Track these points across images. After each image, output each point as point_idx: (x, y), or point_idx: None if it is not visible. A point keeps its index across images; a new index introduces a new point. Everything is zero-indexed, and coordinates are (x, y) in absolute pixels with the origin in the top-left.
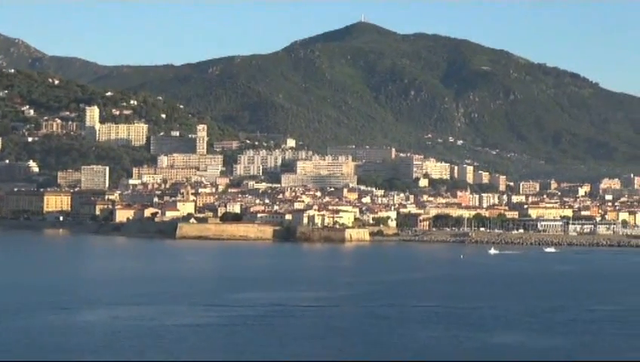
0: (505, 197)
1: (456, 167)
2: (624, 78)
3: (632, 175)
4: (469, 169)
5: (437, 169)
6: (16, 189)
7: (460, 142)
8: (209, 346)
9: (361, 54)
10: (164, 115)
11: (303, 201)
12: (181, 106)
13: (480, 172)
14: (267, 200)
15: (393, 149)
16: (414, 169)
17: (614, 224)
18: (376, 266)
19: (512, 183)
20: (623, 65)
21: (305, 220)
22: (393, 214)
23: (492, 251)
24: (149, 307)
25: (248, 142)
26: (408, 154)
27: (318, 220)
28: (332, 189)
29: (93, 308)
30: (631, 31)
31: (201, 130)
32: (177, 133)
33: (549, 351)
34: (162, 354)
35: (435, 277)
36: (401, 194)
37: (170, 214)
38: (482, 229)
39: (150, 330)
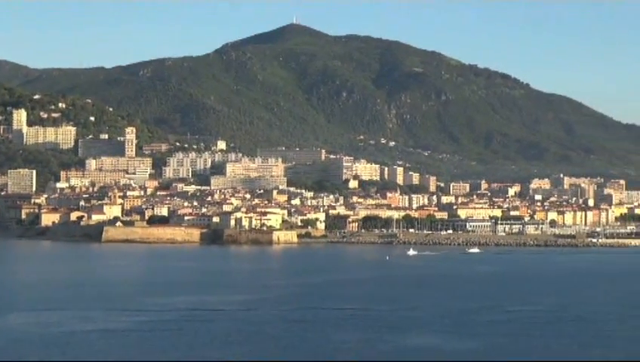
0: (435, 198)
1: (386, 168)
2: (554, 78)
3: (561, 175)
4: (399, 170)
5: (367, 170)
6: None
7: (392, 143)
8: (112, 352)
9: (293, 56)
10: (92, 118)
11: (231, 204)
12: (110, 109)
13: (410, 173)
14: (196, 203)
15: (323, 151)
16: (344, 170)
17: (543, 224)
18: (300, 268)
19: (442, 184)
20: (553, 65)
21: (232, 222)
22: (322, 216)
23: (411, 252)
24: (62, 312)
25: (178, 144)
26: (338, 156)
27: (245, 222)
28: (261, 191)
29: (3, 313)
30: (561, 31)
31: (130, 133)
32: (106, 136)
33: (462, 353)
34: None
35: (358, 279)
36: (331, 196)
37: (96, 218)
38: (411, 230)
39: (56, 337)
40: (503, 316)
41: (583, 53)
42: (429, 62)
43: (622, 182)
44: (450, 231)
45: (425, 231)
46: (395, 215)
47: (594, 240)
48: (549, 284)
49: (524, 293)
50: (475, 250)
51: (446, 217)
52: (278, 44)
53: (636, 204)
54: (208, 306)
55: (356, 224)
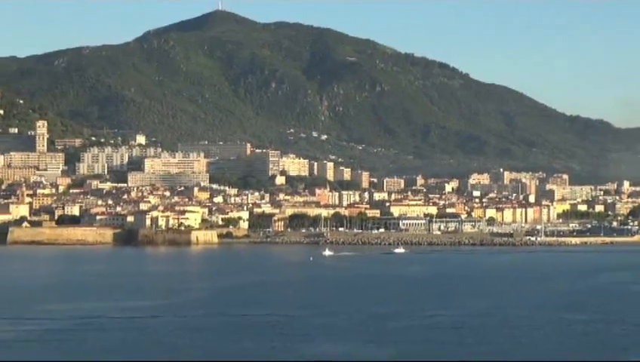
0: (367, 194)
1: (315, 164)
2: (495, 68)
3: (501, 169)
4: (329, 165)
5: (295, 165)
6: None
7: (324, 136)
8: None
9: (219, 45)
10: (1, 111)
11: (149, 202)
12: (21, 101)
13: (341, 168)
14: (111, 201)
15: (248, 145)
16: (270, 166)
17: (480, 222)
18: (216, 271)
19: (375, 180)
20: (494, 54)
21: (148, 222)
22: (245, 214)
23: (326, 252)
24: None
25: (94, 138)
26: (264, 150)
27: (162, 222)
28: (182, 188)
29: None
30: (502, 19)
31: (41, 127)
32: (16, 130)
33: None
34: None
35: (276, 282)
36: (256, 193)
37: (1, 218)
38: (341, 229)
39: None
40: (423, 321)
41: (524, 42)
42: (362, 50)
43: (565, 176)
44: (381, 230)
45: (355, 230)
46: (324, 213)
47: (533, 238)
48: (477, 286)
49: (449, 296)
50: (401, 250)
51: (378, 215)
52: (203, 31)
53: (580, 200)
54: (106, 313)
55: (282, 223)
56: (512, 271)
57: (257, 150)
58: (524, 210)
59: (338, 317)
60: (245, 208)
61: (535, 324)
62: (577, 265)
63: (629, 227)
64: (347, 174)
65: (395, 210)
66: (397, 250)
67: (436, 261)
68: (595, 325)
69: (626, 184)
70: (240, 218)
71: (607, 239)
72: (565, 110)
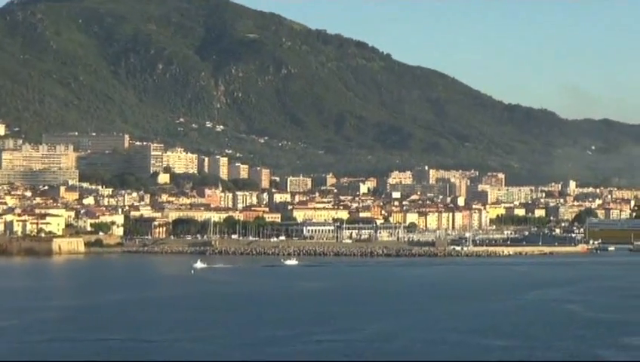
0: (266, 196)
1: (206, 159)
2: (421, 48)
3: (426, 167)
4: (223, 161)
5: (181, 161)
6: None
7: (219, 127)
8: None
9: (96, 18)
10: None
11: (5, 204)
12: None
13: (237, 164)
14: None
15: (127, 137)
16: (152, 161)
17: (398, 228)
18: (76, 287)
19: (277, 178)
20: (420, 32)
21: (1, 227)
22: (120, 219)
23: (198, 265)
24: None
25: None
26: (145, 143)
27: (18, 227)
28: (46, 188)
29: None
30: None
31: None
32: None
33: None
34: None
35: (144, 299)
36: (134, 194)
37: None
38: (234, 236)
39: None
40: (307, 347)
41: (456, 19)
42: (266, 26)
43: (501, 176)
44: (282, 238)
45: (250, 238)
46: (214, 217)
47: (458, 248)
48: (380, 305)
49: (344, 317)
50: (293, 261)
51: (278, 220)
52: (77, 2)
53: (517, 203)
54: None
55: (164, 229)
56: (426, 286)
57: (137, 143)
58: (451, 214)
59: (210, 342)
60: (120, 211)
61: (443, 351)
62: (506, 279)
63: (573, 235)
64: (244, 172)
65: (299, 215)
66: (288, 262)
67: (336, 275)
68: (514, 352)
69: (572, 185)
70: (113, 223)
71: (547, 249)
72: (503, 98)
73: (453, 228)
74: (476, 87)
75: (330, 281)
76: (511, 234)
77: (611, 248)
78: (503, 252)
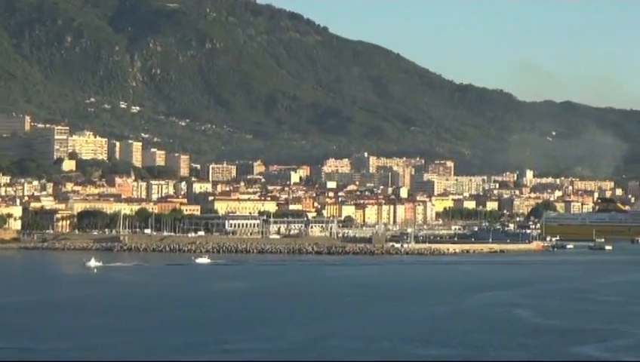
0: (184, 185)
1: (118, 144)
2: (362, 21)
3: (366, 154)
4: (136, 146)
5: (89, 146)
6: None
7: (135, 108)
8: None
9: None
10: None
11: None
12: None
13: (153, 150)
14: None
15: (28, 118)
16: (56, 146)
17: (332, 222)
18: None
19: (198, 166)
20: (360, 4)
21: None
22: (18, 210)
23: (92, 263)
24: None
25: None
26: (48, 126)
27: None
28: None
29: None
30: None
31: None
32: None
33: None
34: None
35: (30, 302)
36: (35, 182)
37: None
38: (147, 231)
39: None
40: (217, 357)
41: None
42: None
43: (450, 164)
44: (201, 233)
45: (165, 233)
46: (126, 209)
47: (397, 245)
48: (302, 309)
49: (260, 323)
50: (205, 259)
51: (198, 213)
52: None
53: (467, 195)
54: None
55: (68, 222)
56: (357, 288)
57: (40, 125)
58: (392, 207)
59: (103, 349)
60: (19, 202)
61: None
62: (448, 281)
63: (528, 231)
64: (160, 158)
65: (221, 207)
66: (199, 260)
67: (253, 275)
68: None
69: (529, 174)
70: (10, 215)
71: (497, 247)
72: (453, 77)
73: (394, 222)
74: (423, 64)
75: (245, 282)
76: (459, 229)
77: (570, 246)
78: (448, 250)
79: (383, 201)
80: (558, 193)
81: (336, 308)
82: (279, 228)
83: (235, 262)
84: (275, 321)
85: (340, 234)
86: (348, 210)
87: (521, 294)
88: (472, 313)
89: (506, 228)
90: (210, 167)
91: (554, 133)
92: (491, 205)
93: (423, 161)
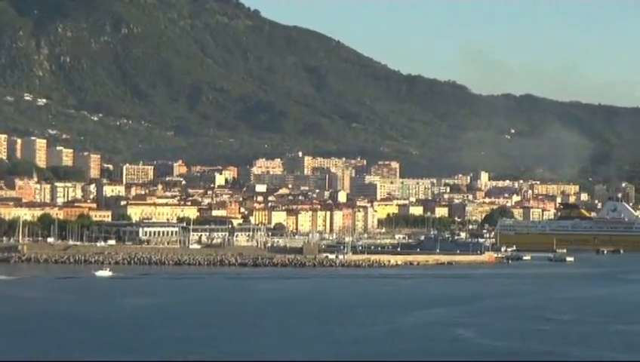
0: (94, 188)
1: (19, 141)
2: (297, 4)
3: (300, 154)
4: (40, 144)
5: None
6: None
7: (41, 101)
8: None
9: None
10: None
11: None
12: None
13: (59, 148)
14: None
15: None
16: None
17: (260, 230)
18: None
19: (111, 166)
20: None
21: None
22: None
23: None
24: None
25: None
26: None
27: None
28: None
29: None
30: None
31: None
32: None
33: None
34: None
35: None
36: None
37: None
38: (50, 240)
39: None
40: None
41: None
42: None
43: (395, 165)
44: (111, 242)
45: (71, 242)
46: (26, 215)
47: (332, 256)
48: (204, 331)
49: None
50: (106, 273)
51: (109, 219)
52: None
53: (413, 199)
54: None
55: None
56: (280, 305)
57: None
58: (329, 213)
59: None
60: None
61: None
62: (386, 296)
63: (481, 240)
64: (67, 158)
65: (135, 213)
66: (99, 273)
67: (159, 290)
68: None
69: (484, 177)
70: None
71: (445, 258)
72: (400, 67)
73: (331, 231)
74: (366, 53)
75: (150, 299)
76: (403, 238)
77: (527, 257)
78: (390, 261)
79: (319, 207)
80: (515, 198)
81: (253, 328)
82: (200, 237)
83: (140, 275)
84: (168, 342)
85: (269, 244)
86: (278, 217)
87: (467, 312)
88: (409, 333)
89: (457, 238)
90: (124, 167)
91: (512, 131)
92: (441, 211)
93: (365, 162)
